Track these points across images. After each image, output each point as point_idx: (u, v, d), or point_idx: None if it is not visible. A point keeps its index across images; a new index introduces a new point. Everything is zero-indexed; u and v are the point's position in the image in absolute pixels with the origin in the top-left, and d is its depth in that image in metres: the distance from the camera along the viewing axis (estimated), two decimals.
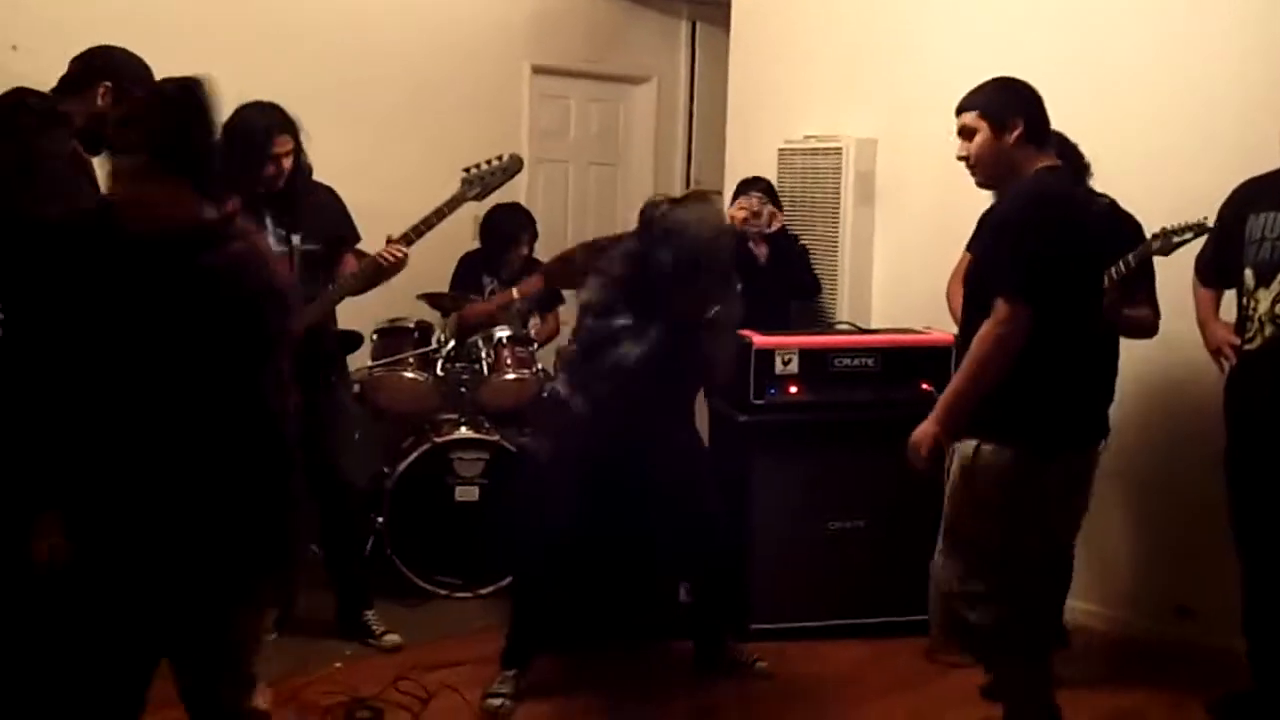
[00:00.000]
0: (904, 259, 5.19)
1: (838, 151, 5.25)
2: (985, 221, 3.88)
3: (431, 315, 5.14)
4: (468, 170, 4.16)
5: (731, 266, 3.80)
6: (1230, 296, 3.80)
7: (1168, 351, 4.09)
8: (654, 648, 4.21)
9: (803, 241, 5.24)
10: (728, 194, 5.97)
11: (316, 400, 4.12)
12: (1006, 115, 3.13)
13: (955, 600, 3.13)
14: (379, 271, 4.11)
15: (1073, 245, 3.09)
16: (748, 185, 5.13)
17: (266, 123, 3.94)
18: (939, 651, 4.09)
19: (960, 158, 3.22)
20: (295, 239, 4.04)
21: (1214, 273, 3.84)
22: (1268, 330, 3.58)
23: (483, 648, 3.97)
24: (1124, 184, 3.90)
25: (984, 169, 3.18)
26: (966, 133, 3.19)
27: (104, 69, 3.45)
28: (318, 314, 4.06)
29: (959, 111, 3.23)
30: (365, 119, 5.22)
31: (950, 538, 3.15)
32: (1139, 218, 3.90)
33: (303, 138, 4.02)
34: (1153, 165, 4.19)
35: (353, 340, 4.39)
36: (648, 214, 3.70)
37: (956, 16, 4.97)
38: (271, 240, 3.99)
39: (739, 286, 3.85)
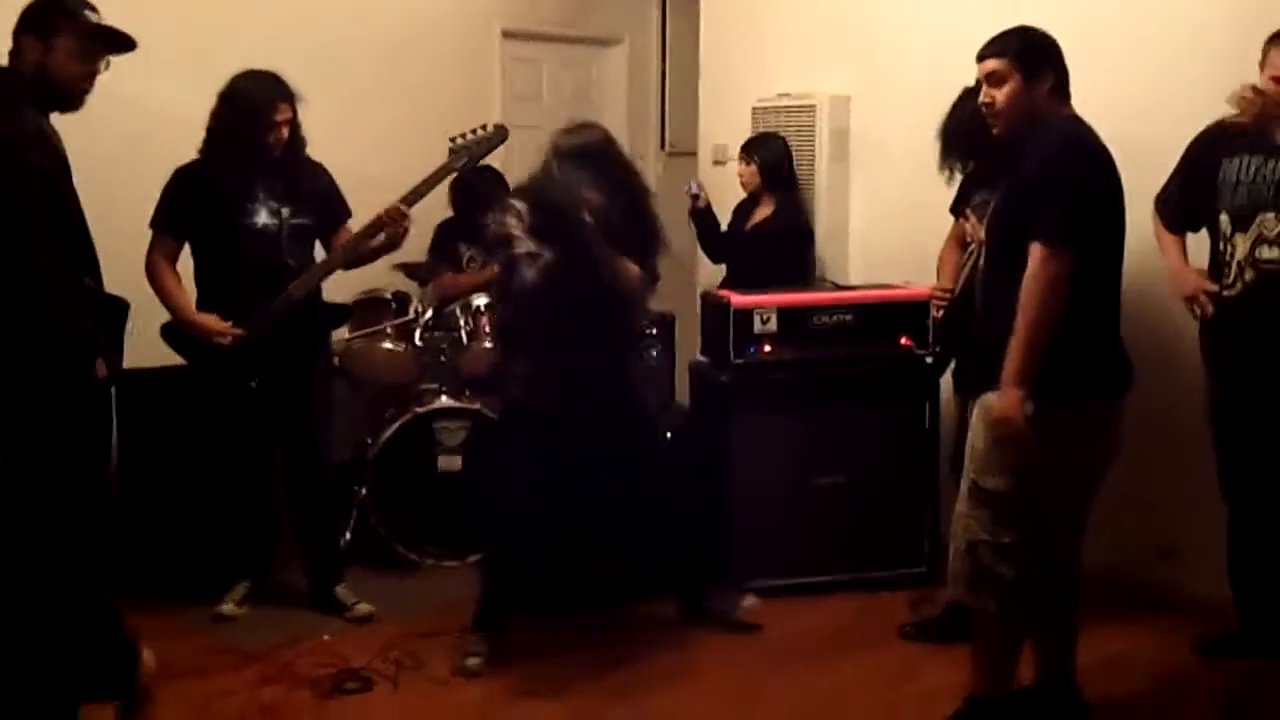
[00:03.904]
0: (880, 215, 5.19)
1: (811, 109, 5.23)
2: (972, 179, 3.92)
3: (409, 286, 5.12)
4: (454, 140, 4.11)
5: (608, 185, 3.76)
6: (1196, 242, 3.78)
7: (1139, 295, 4.07)
8: (636, 608, 4.22)
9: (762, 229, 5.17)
10: (703, 154, 5.97)
11: (303, 375, 4.13)
12: (1040, 66, 3.07)
13: (984, 550, 3.07)
14: (377, 232, 4.04)
15: (1109, 192, 3.05)
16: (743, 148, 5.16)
17: (269, 91, 3.92)
18: (920, 606, 4.13)
19: (984, 104, 3.14)
20: (285, 212, 4.02)
21: (1181, 216, 3.80)
22: (1248, 275, 3.57)
23: (469, 616, 3.97)
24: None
25: (1008, 119, 3.10)
26: (995, 80, 3.10)
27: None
28: (309, 287, 4.06)
29: (984, 57, 3.13)
30: (334, 87, 5.15)
31: (977, 490, 3.10)
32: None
33: (300, 108, 4.00)
34: (1123, 112, 4.17)
35: (341, 314, 4.37)
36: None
37: None
38: (263, 213, 3.98)
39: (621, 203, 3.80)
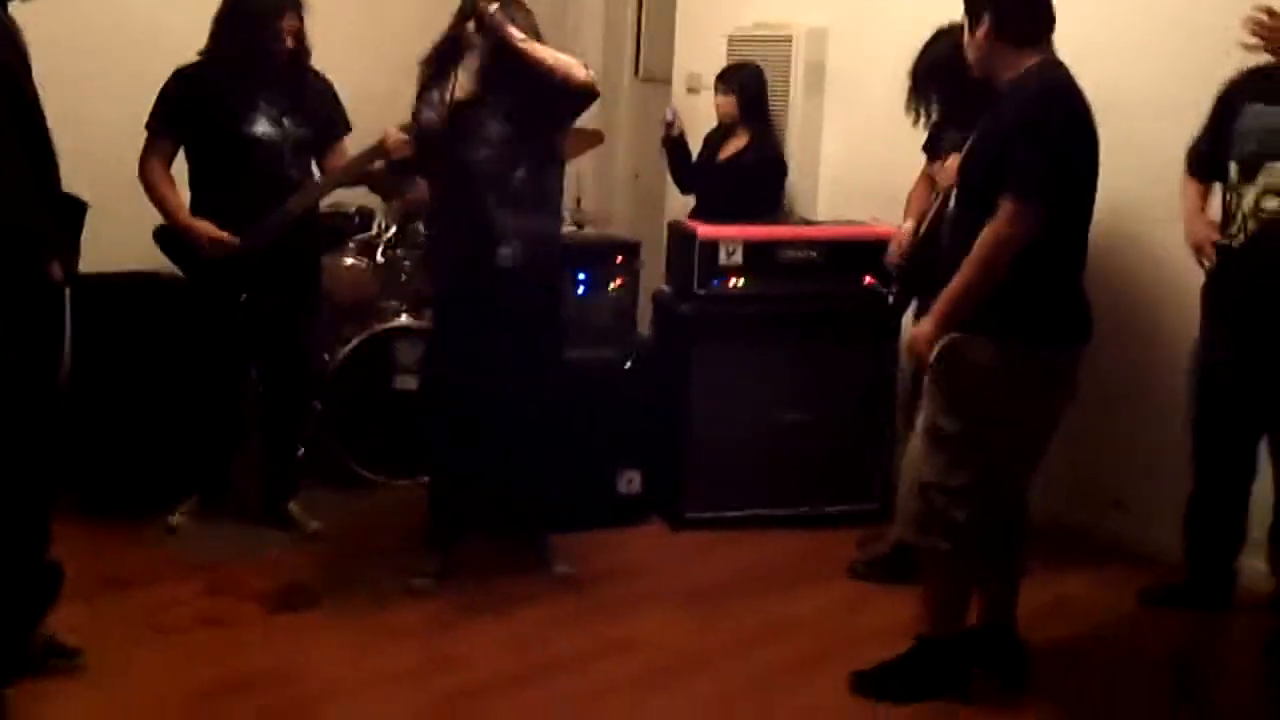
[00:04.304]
0: (853, 151, 5.15)
1: (788, 40, 5.17)
2: (945, 119, 3.87)
3: (373, 201, 5.04)
4: None
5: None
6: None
7: (1110, 248, 4.08)
8: (589, 535, 4.23)
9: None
10: (677, 82, 5.91)
11: (299, 289, 4.09)
12: (976, 8, 3.05)
13: (934, 492, 3.08)
14: (376, 158, 3.92)
15: (1083, 146, 3.01)
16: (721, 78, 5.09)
17: None
18: (869, 544, 4.16)
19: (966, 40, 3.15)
20: (288, 123, 3.95)
21: (1206, 165, 3.71)
22: (1250, 226, 3.48)
23: (419, 535, 3.97)
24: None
25: (977, 61, 3.12)
26: (968, 16, 3.12)
27: None
28: (307, 203, 4.01)
29: None
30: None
31: (932, 431, 3.10)
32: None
33: (307, 18, 3.92)
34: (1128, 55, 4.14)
35: (337, 235, 4.30)
36: None
37: None
38: (264, 122, 3.91)
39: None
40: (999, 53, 3.04)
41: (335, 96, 4.12)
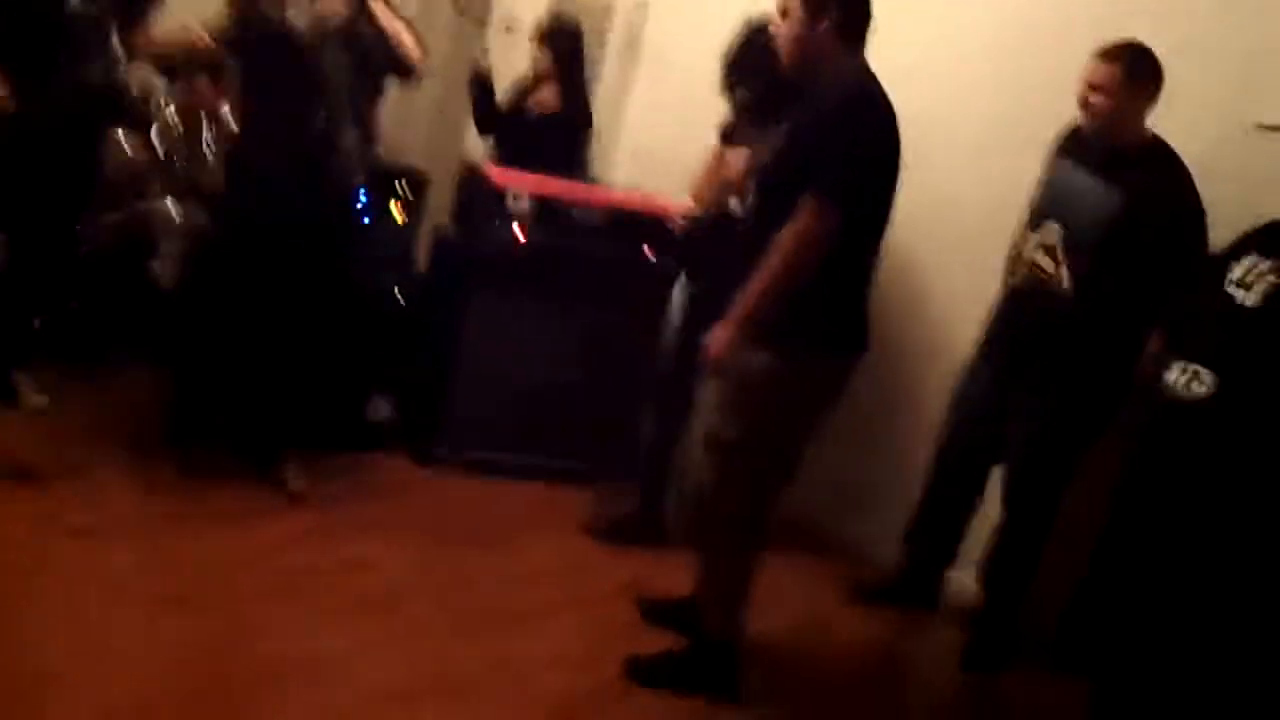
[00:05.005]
0: (656, 123, 5.22)
1: (610, 5, 5.19)
2: (745, 109, 3.93)
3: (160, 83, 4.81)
4: None
5: None
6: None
7: (905, 268, 4.25)
8: (332, 456, 4.16)
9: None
10: (495, 20, 5.84)
11: (72, 161, 3.88)
12: (825, 5, 2.96)
13: (711, 496, 3.08)
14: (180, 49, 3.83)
15: (886, 151, 2.97)
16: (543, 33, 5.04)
17: None
18: (606, 503, 4.22)
19: (774, 35, 3.08)
20: None
21: None
22: (1023, 272, 3.64)
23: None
24: None
25: (789, 55, 3.03)
26: (781, 10, 3.03)
27: None
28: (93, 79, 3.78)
29: None
30: None
31: (710, 437, 3.07)
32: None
33: None
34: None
35: (118, 109, 4.06)
36: None
37: None
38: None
39: None
40: (831, 49, 2.98)
41: None
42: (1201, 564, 3.06)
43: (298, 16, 3.59)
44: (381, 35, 3.74)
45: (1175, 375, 3.01)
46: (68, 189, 3.94)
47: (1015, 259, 3.69)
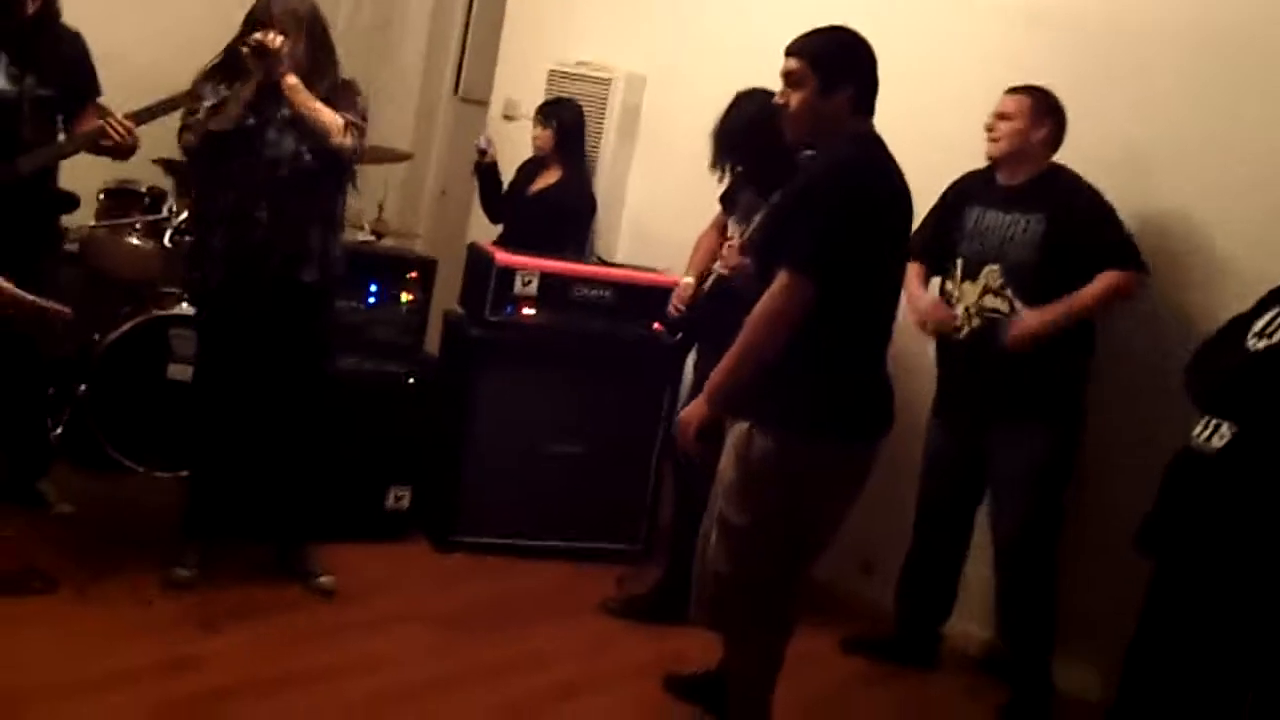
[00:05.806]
0: (656, 198, 5.27)
1: (607, 83, 5.27)
2: (743, 177, 3.95)
3: (168, 183, 4.90)
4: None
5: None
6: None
7: None
8: (353, 547, 4.18)
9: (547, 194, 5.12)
10: (495, 107, 5.93)
11: (22, 259, 3.86)
12: (838, 77, 2.86)
13: (726, 582, 2.98)
14: (102, 144, 3.78)
15: (877, 220, 2.84)
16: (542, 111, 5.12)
17: None
18: (627, 582, 4.24)
19: (778, 104, 2.94)
20: (29, 81, 3.75)
21: (928, 254, 3.88)
22: (975, 322, 3.74)
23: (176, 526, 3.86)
24: None
25: (797, 126, 2.91)
26: (791, 80, 2.89)
27: None
28: (37, 164, 3.79)
29: (788, 53, 2.91)
30: None
31: (721, 521, 2.98)
32: None
33: None
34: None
35: (69, 202, 4.10)
36: None
37: None
38: (3, 79, 3.72)
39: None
40: (843, 120, 2.88)
41: (86, 56, 3.93)
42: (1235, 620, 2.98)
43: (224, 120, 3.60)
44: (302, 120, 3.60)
45: (1199, 430, 3.00)
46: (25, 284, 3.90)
47: (961, 315, 3.78)
